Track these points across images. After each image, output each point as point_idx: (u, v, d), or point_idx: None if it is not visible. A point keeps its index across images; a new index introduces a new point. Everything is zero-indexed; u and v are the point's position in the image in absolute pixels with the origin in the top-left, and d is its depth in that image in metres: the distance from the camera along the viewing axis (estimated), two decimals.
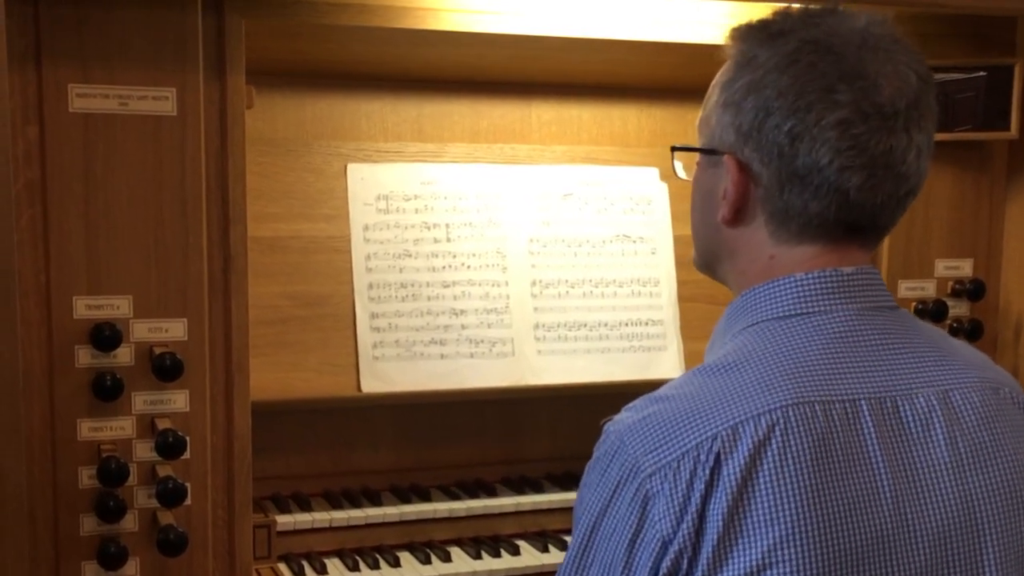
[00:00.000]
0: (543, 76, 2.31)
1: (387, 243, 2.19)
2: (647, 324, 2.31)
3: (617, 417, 1.22)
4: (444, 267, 2.21)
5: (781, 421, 1.14)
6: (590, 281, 2.29)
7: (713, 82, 1.29)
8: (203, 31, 1.78)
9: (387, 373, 2.15)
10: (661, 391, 1.22)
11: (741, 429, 1.15)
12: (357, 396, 2.13)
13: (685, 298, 2.34)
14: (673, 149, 1.41)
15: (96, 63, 1.73)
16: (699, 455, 1.14)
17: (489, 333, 2.21)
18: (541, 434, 2.38)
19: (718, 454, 1.14)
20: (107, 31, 1.73)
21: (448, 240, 2.22)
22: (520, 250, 2.27)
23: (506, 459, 2.36)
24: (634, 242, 2.33)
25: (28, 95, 1.70)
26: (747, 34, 1.27)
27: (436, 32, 1.97)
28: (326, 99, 2.23)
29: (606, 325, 2.28)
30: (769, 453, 1.14)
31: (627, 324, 2.30)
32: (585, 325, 2.27)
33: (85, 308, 1.76)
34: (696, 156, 1.33)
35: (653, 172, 2.39)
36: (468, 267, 2.23)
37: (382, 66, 2.17)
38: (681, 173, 1.40)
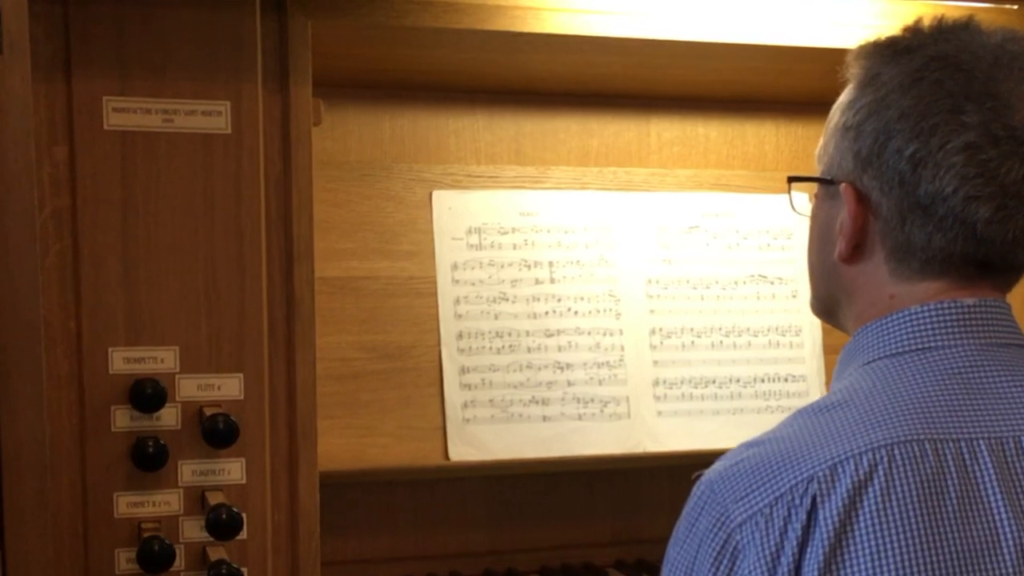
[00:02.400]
0: (664, 88, 2.25)
1: (480, 285, 2.15)
2: (787, 380, 2.27)
3: (710, 467, 1.23)
4: (547, 313, 2.17)
5: (884, 460, 1.14)
6: (719, 329, 2.25)
7: (835, 104, 1.31)
8: (262, 34, 1.74)
9: (479, 438, 2.12)
10: (759, 436, 1.22)
11: (840, 469, 1.15)
12: (444, 465, 2.11)
13: (831, 349, 2.30)
14: (790, 180, 1.42)
15: (136, 72, 1.69)
16: (793, 499, 1.15)
17: (600, 391, 2.16)
18: (660, 510, 2.28)
19: (814, 497, 1.14)
20: (149, 34, 1.69)
21: (551, 281, 2.18)
22: (636, 293, 2.21)
23: (620, 539, 2.30)
24: (771, 283, 2.29)
25: (56, 110, 1.67)
26: (873, 51, 1.28)
27: (538, 35, 1.90)
28: (407, 115, 2.18)
29: (738, 381, 2.24)
30: (870, 494, 1.14)
31: (763, 380, 2.26)
32: (713, 381, 2.23)
33: (123, 362, 1.71)
34: (815, 188, 1.34)
35: (804, 201, 2.25)
36: (575, 313, 2.18)
37: (474, 76, 2.13)
38: (800, 208, 1.41)
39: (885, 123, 1.23)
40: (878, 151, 1.23)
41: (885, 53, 1.26)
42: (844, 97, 1.29)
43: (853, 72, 1.29)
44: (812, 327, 2.27)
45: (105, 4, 1.66)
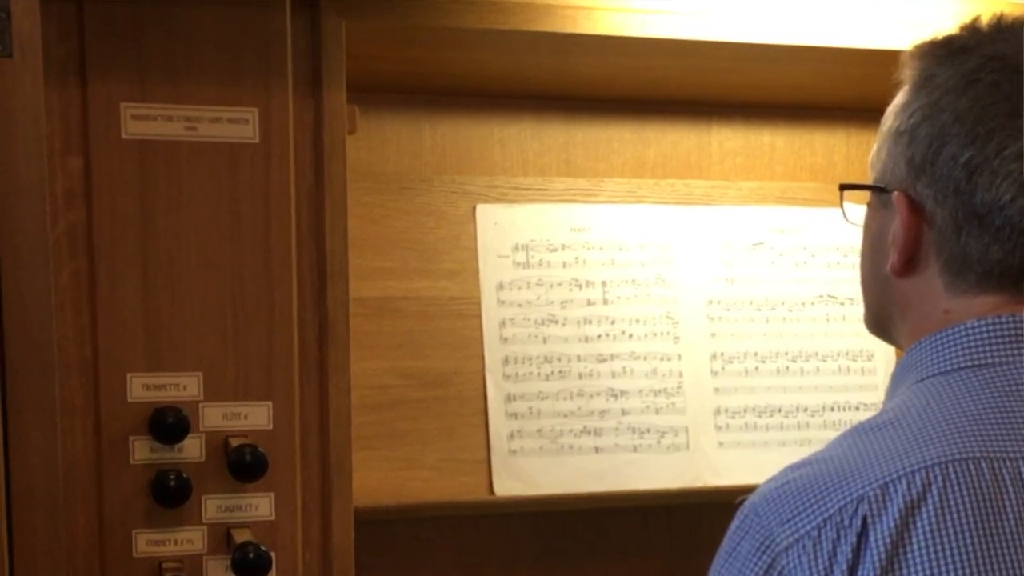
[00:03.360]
0: (726, 94, 2.20)
1: (527, 306, 2.12)
2: (858, 408, 2.24)
3: (755, 491, 1.23)
4: (599, 336, 2.13)
5: (939, 479, 1.14)
6: (786, 354, 2.21)
7: (888, 107, 1.32)
8: (293, 36, 1.70)
9: (527, 471, 2.09)
10: (806, 457, 1.22)
11: (892, 488, 1.14)
12: (489, 500, 2.08)
13: None
14: (842, 188, 1.43)
15: (156, 76, 1.65)
16: (842, 520, 1.14)
17: (657, 420, 2.13)
18: None
19: (864, 519, 1.14)
20: (171, 36, 1.65)
21: (604, 302, 2.14)
22: (696, 314, 2.19)
23: None
24: (842, 304, 2.25)
25: (70, 117, 1.63)
26: (927, 51, 1.29)
27: (590, 37, 1.86)
28: (449, 122, 2.14)
29: (806, 410, 2.21)
30: (924, 515, 1.14)
31: (833, 408, 2.23)
32: (779, 410, 2.20)
33: (143, 389, 1.68)
34: (868, 196, 1.35)
35: (862, 212, 2.24)
36: (630, 336, 2.14)
37: (521, 81, 2.09)
38: (854, 218, 1.41)
39: (939, 128, 1.23)
40: (932, 157, 1.24)
41: (939, 53, 1.26)
42: (898, 100, 1.30)
43: (907, 73, 1.29)
44: (885, 351, 2.23)
45: (123, 3, 1.63)
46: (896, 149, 1.27)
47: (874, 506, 1.13)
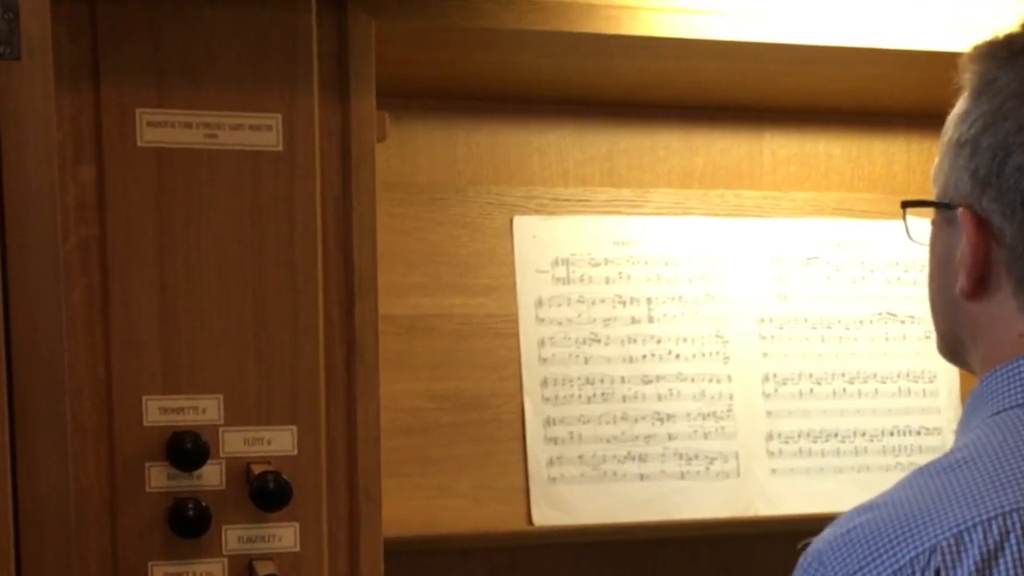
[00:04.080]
0: (779, 99, 2.18)
1: (568, 324, 2.10)
2: (919, 433, 2.21)
3: (819, 536, 1.21)
4: (644, 356, 2.11)
5: (1018, 527, 1.11)
6: (842, 375, 2.19)
7: (949, 116, 1.30)
8: (319, 37, 1.68)
9: (567, 500, 2.06)
10: (873, 498, 1.20)
11: (967, 537, 1.12)
12: (527, 531, 2.05)
13: None
14: (904, 205, 1.41)
15: (174, 80, 1.63)
16: (914, 572, 1.11)
17: (705, 446, 2.11)
18: None
19: (937, 571, 1.11)
20: (189, 37, 1.63)
21: (650, 320, 2.12)
22: (747, 333, 2.16)
23: None
24: (902, 322, 2.23)
25: (82, 124, 1.61)
26: (987, 53, 1.26)
27: (634, 38, 1.83)
28: (485, 129, 2.13)
29: (864, 435, 2.18)
30: (1002, 567, 1.11)
31: (892, 433, 2.20)
32: (836, 435, 2.17)
33: (159, 412, 1.66)
34: (932, 213, 1.33)
35: (928, 227, 2.23)
36: (677, 356, 2.12)
37: (561, 85, 2.07)
38: (917, 236, 1.40)
39: (1003, 137, 1.21)
40: (997, 169, 1.21)
41: (1000, 55, 1.24)
42: (958, 107, 1.28)
43: (967, 78, 1.27)
44: (948, 373, 2.21)
45: (139, 3, 1.61)
46: (958, 162, 1.25)
47: (948, 558, 1.11)
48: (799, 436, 2.14)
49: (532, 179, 2.16)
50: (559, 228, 2.11)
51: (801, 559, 1.20)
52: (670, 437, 2.08)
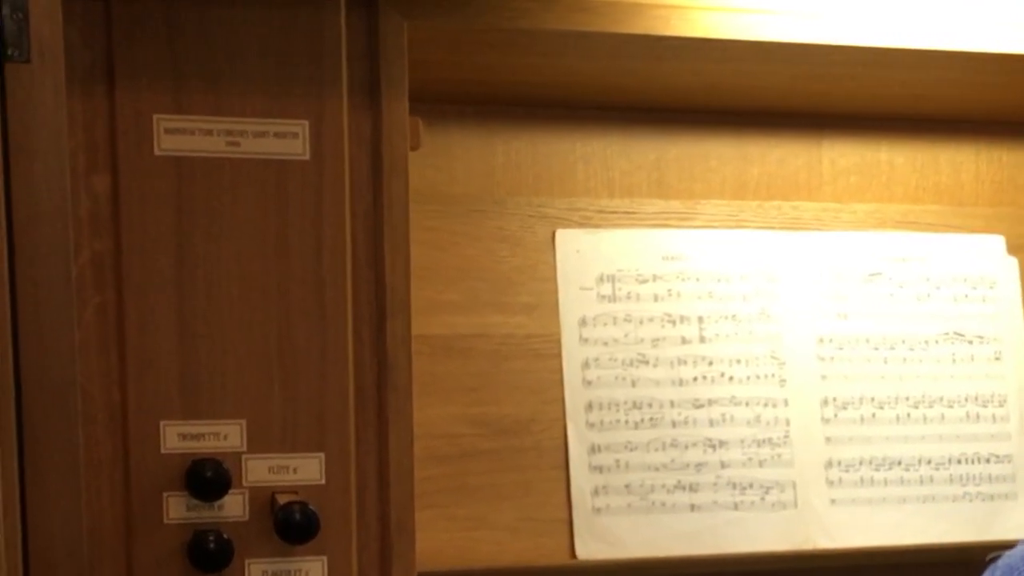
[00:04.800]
0: (840, 104, 2.14)
1: (613, 344, 2.06)
2: (988, 461, 2.18)
3: (1012, 549, 1.21)
4: (695, 379, 2.08)
5: None
6: (906, 399, 2.15)
7: None
8: (348, 38, 1.65)
9: (613, 532, 2.03)
10: None
11: None
12: (571, 565, 2.02)
13: None
14: None
15: (194, 84, 1.60)
16: None
17: (760, 474, 2.08)
18: None
19: None
20: (210, 39, 1.61)
21: (701, 340, 2.09)
22: (805, 354, 2.13)
23: None
24: (970, 342, 2.20)
25: (95, 131, 1.58)
26: None
27: (685, 40, 1.80)
28: (525, 136, 2.10)
29: (930, 462, 2.15)
30: None
31: (960, 460, 2.17)
32: (899, 463, 2.14)
33: (178, 438, 1.63)
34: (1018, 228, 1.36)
35: (998, 242, 2.24)
36: (730, 379, 2.09)
37: (607, 90, 2.03)
38: (997, 253, 1.39)
39: None
40: None
41: None
42: None
43: None
44: (1019, 395, 2.19)
45: (156, 1, 1.59)
46: None
47: None
48: (860, 464, 2.11)
49: (575, 190, 2.13)
50: (604, 242, 2.08)
51: (988, 571, 1.20)
52: (723, 465, 2.05)
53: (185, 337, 1.63)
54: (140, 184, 1.60)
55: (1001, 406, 2.17)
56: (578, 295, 2.06)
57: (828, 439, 2.10)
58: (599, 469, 2.02)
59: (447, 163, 2.07)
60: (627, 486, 2.02)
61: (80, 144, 1.57)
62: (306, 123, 1.65)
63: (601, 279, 2.07)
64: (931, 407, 2.15)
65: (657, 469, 2.03)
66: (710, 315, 2.09)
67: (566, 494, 2.01)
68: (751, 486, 2.06)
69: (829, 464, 2.09)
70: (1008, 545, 1.24)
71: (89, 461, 1.58)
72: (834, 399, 2.11)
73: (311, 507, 1.62)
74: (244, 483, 1.64)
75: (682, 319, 2.08)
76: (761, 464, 2.06)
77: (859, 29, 1.85)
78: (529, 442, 2.02)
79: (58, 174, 1.49)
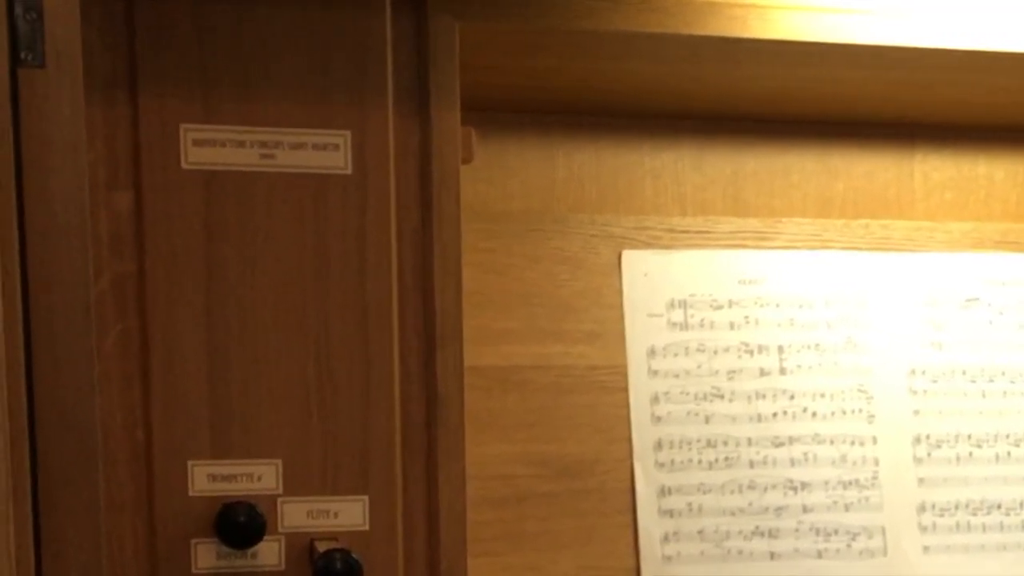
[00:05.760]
0: (934, 113, 2.11)
1: (686, 377, 2.03)
2: None
3: None
4: (775, 415, 2.04)
5: None
6: (1007, 436, 2.12)
7: None
8: (394, 41, 1.61)
9: None
10: None
11: None
12: None
13: None
14: None
15: (225, 91, 1.57)
16: None
17: (846, 519, 2.03)
18: None
19: None
20: (243, 42, 1.57)
21: (782, 372, 2.05)
22: (896, 387, 2.09)
23: None
24: None
25: (117, 142, 1.55)
26: None
27: (765, 43, 1.76)
28: (589, 149, 2.06)
29: None
30: None
31: None
32: (999, 506, 2.10)
33: (207, 480, 1.59)
34: None
35: None
36: (813, 414, 2.04)
37: (678, 97, 2.00)
38: None
39: None
40: None
41: None
42: None
43: None
44: None
45: (183, 1, 1.57)
46: None
47: None
48: (956, 508, 2.08)
49: (644, 207, 2.08)
50: (675, 264, 2.04)
51: None
52: (805, 509, 2.01)
53: (215, 369, 1.59)
54: (166, 201, 1.57)
55: None
56: (646, 323, 2.03)
57: (921, 480, 2.06)
58: (669, 513, 1.99)
59: (502, 177, 2.05)
60: (700, 532, 1.98)
61: (100, 157, 1.54)
62: (348, 134, 1.61)
63: (672, 305, 2.04)
64: None
65: (733, 513, 2.00)
66: (791, 344, 2.05)
67: (633, 541, 1.97)
68: (836, 532, 2.02)
69: (922, 508, 2.05)
70: None
71: (110, 505, 1.54)
72: (927, 437, 2.07)
73: (354, 555, 1.59)
74: (280, 529, 1.61)
75: (760, 349, 2.05)
76: (847, 508, 2.02)
77: (956, 30, 1.81)
78: (592, 484, 1.97)
79: (76, 190, 1.44)
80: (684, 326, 2.03)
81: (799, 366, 2.04)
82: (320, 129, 1.59)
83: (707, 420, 2.01)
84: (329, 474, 1.61)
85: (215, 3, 1.56)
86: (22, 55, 1.39)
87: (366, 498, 1.63)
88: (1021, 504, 2.09)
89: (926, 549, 2.04)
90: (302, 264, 1.60)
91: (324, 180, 1.60)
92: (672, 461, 2.00)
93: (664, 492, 1.99)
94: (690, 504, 1.98)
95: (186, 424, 1.58)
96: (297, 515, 1.61)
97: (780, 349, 2.04)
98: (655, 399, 2.01)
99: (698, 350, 2.02)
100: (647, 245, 2.04)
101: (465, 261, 1.68)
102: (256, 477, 1.60)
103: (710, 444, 2.01)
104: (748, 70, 1.88)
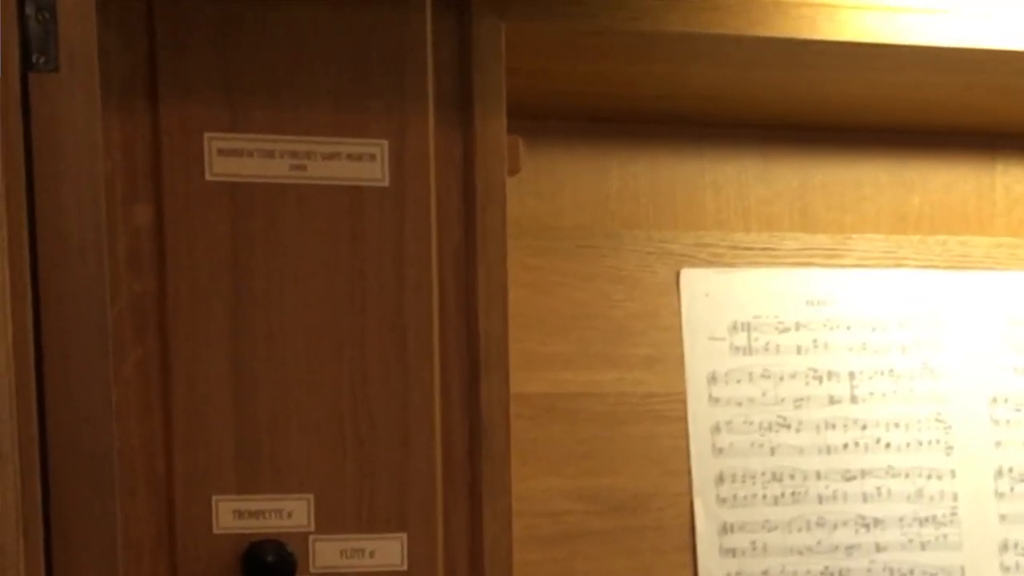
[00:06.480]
0: (1017, 120, 2.07)
1: (749, 405, 2.01)
2: None
3: None
4: (846, 446, 2.01)
5: None
6: None
7: None
8: (434, 44, 1.58)
9: None
10: None
11: None
12: None
13: None
14: None
15: (252, 97, 1.54)
16: None
17: (923, 559, 2.01)
18: None
19: None
20: (271, 44, 1.54)
21: (853, 400, 2.02)
22: (976, 416, 2.07)
23: None
24: None
25: (136, 152, 1.52)
26: None
27: (834, 45, 1.72)
28: (644, 159, 2.03)
29: None
30: None
31: None
32: None
33: (233, 516, 1.56)
34: None
35: None
36: (887, 446, 2.02)
37: (742, 104, 1.97)
38: None
39: None
40: None
41: None
42: None
43: None
44: None
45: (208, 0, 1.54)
46: None
47: None
48: None
49: (704, 222, 2.05)
50: (738, 284, 2.01)
51: None
52: (878, 548, 1.97)
53: (241, 396, 1.55)
54: (188, 215, 1.53)
55: None
56: (707, 346, 2.00)
57: (1003, 517, 2.02)
58: (732, 552, 1.96)
59: (552, 190, 2.02)
60: (765, 573, 1.95)
61: (117, 168, 1.50)
62: (385, 143, 1.57)
63: (734, 328, 2.00)
64: None
65: (801, 552, 1.97)
66: (863, 370, 2.01)
67: None
68: (912, 572, 1.98)
69: (1004, 547, 2.01)
70: None
71: (128, 543, 1.52)
72: (1010, 470, 2.04)
73: None
74: (312, 569, 1.59)
75: (830, 375, 2.00)
76: (924, 547, 1.99)
77: None
78: (649, 520, 1.94)
79: (91, 203, 1.41)
80: (748, 350, 2.00)
81: (872, 393, 2.01)
82: (355, 138, 1.56)
83: (772, 452, 1.98)
84: (364, 510, 1.58)
85: (243, 4, 1.53)
86: (34, 58, 1.36)
87: (404, 536, 1.60)
88: None
89: None
90: (335, 284, 1.57)
91: (359, 193, 1.57)
92: (735, 496, 1.96)
93: (726, 529, 1.96)
94: (754, 542, 1.95)
95: (210, 456, 1.55)
96: (330, 554, 1.59)
97: (851, 375, 2.00)
98: (716, 429, 1.98)
99: (763, 376, 1.99)
100: (708, 263, 2.01)
101: (511, 280, 1.65)
102: (286, 513, 1.57)
103: (775, 478, 1.97)
104: (817, 74, 1.84)
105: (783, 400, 1.98)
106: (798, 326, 2.00)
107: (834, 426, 1.99)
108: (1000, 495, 2.01)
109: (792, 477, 1.97)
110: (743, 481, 1.97)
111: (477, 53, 1.60)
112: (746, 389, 1.99)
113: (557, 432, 1.92)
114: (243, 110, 1.53)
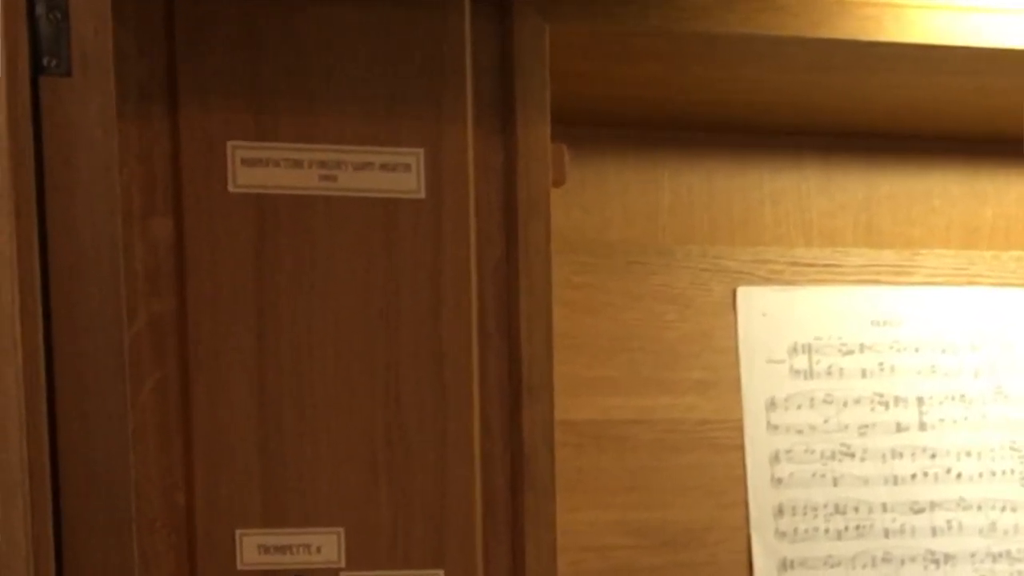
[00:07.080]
0: None
1: (810, 432, 1.97)
2: None
3: None
4: (914, 476, 1.98)
5: None
6: None
7: None
8: (473, 46, 1.55)
9: None
10: None
11: None
12: None
13: None
14: None
15: (279, 103, 1.51)
16: None
17: None
18: None
19: None
20: (298, 47, 1.51)
21: (921, 427, 1.99)
22: None
23: None
24: None
25: (155, 161, 1.50)
26: None
27: (902, 47, 1.68)
28: (698, 170, 2.02)
29: None
30: None
31: None
32: None
33: (259, 551, 1.53)
34: None
35: None
36: (958, 476, 1.99)
37: (802, 111, 1.95)
38: None
39: None
40: None
41: None
42: None
43: None
44: None
45: (231, 1, 1.51)
46: None
47: None
48: None
49: (762, 236, 2.03)
50: (799, 303, 1.97)
51: None
52: None
53: (267, 423, 1.52)
54: (211, 229, 1.50)
55: None
56: (765, 370, 1.96)
57: None
58: None
59: (599, 203, 1.99)
60: None
61: (135, 179, 1.47)
62: (420, 152, 1.54)
63: (794, 350, 1.97)
64: None
65: None
66: (933, 395, 1.97)
67: None
68: None
69: None
70: None
71: None
72: None
73: None
74: None
75: (897, 400, 1.96)
76: None
77: None
78: (703, 556, 1.91)
79: (107, 217, 1.36)
80: (809, 374, 1.96)
81: (942, 420, 1.97)
82: (389, 147, 1.53)
83: (835, 483, 1.94)
84: (399, 545, 1.56)
85: (269, 3, 1.50)
86: (45, 61, 1.31)
87: (441, 573, 1.57)
88: None
89: None
90: (367, 303, 1.54)
91: (393, 205, 1.54)
92: (795, 530, 1.92)
93: (786, 566, 1.92)
94: None
95: (233, 486, 1.52)
96: None
97: (919, 400, 1.96)
98: (775, 458, 1.93)
99: (825, 402, 1.95)
100: (766, 281, 1.97)
101: (556, 299, 1.62)
102: (314, 548, 1.54)
103: (839, 510, 1.93)
104: (882, 78, 1.80)
105: (847, 427, 1.94)
106: (863, 348, 1.96)
107: (901, 455, 1.95)
108: None
109: (856, 510, 1.93)
110: (804, 514, 1.92)
111: (519, 56, 1.57)
112: (807, 415, 1.95)
113: (605, 462, 1.89)
114: (269, 117, 1.50)
